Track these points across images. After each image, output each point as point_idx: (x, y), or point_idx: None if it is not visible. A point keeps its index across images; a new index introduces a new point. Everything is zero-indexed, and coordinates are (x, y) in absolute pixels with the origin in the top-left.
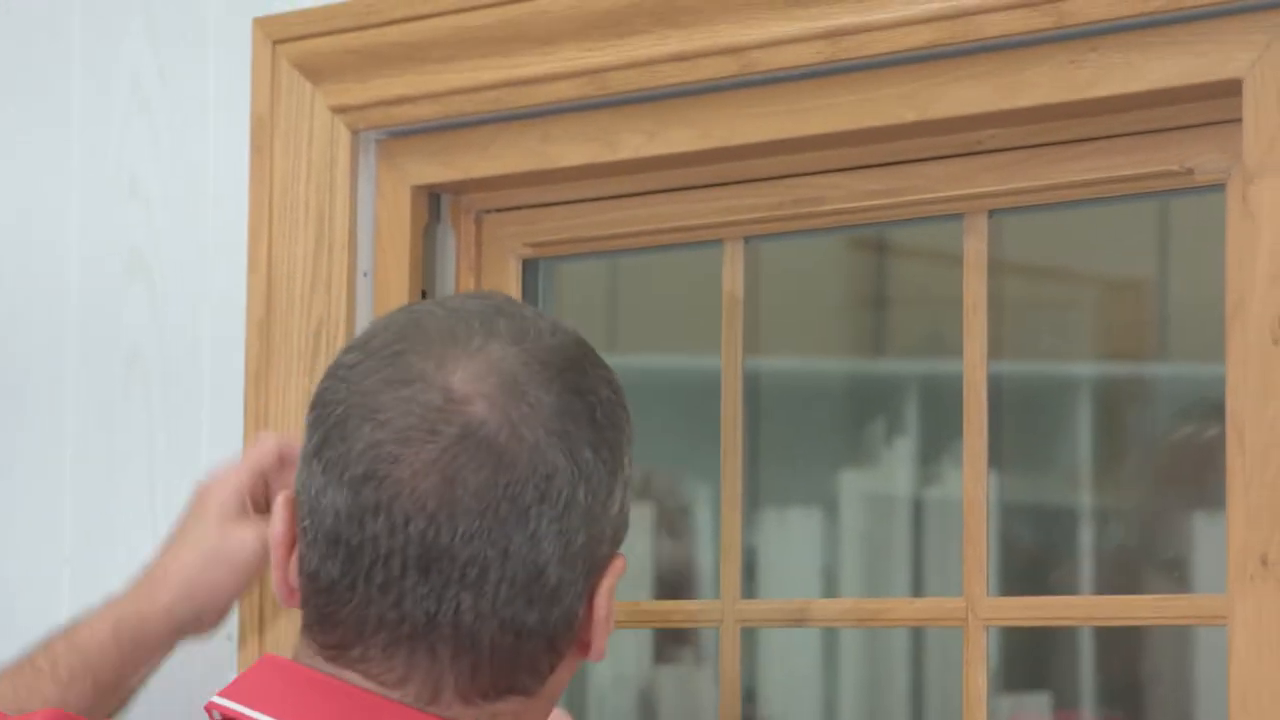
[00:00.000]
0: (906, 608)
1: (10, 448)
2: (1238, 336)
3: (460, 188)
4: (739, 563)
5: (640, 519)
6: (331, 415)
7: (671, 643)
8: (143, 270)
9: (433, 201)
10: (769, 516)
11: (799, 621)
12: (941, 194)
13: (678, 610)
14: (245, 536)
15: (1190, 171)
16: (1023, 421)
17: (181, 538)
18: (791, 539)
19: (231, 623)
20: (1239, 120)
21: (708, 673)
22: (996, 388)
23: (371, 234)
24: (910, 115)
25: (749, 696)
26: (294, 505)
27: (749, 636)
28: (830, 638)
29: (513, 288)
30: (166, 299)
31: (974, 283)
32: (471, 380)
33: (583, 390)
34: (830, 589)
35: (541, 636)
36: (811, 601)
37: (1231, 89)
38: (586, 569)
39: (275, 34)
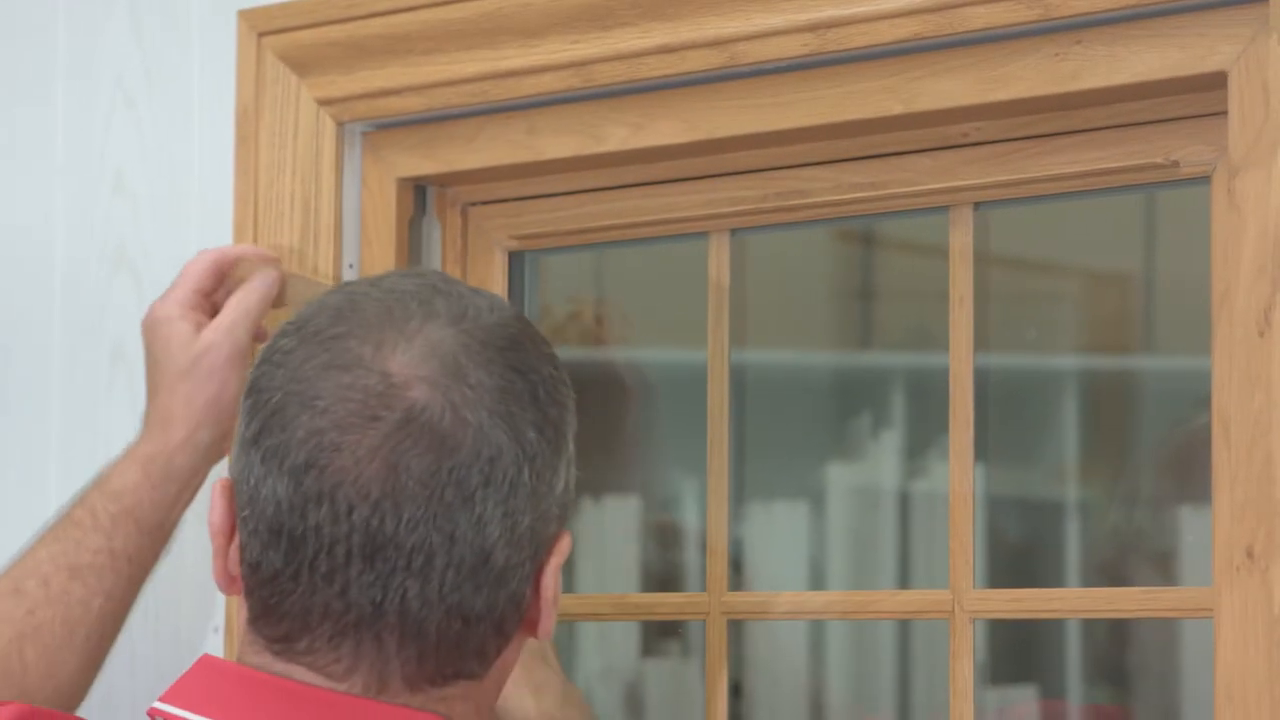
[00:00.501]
0: (892, 600)
1: None
2: (1223, 329)
3: (446, 180)
4: (725, 555)
5: (627, 512)
6: (269, 402)
7: (659, 636)
8: (128, 264)
9: (418, 194)
10: (755, 509)
11: (785, 614)
12: (927, 186)
13: (664, 603)
14: (212, 342)
15: (1176, 164)
16: (1008, 414)
17: (161, 378)
18: (777, 532)
19: (219, 615)
20: (1224, 113)
21: (695, 666)
22: (982, 380)
23: (357, 226)
24: (895, 108)
25: (735, 689)
26: (232, 492)
27: (735, 629)
28: (817, 631)
29: (499, 280)
30: (152, 292)
31: (960, 275)
32: (411, 364)
33: (524, 369)
34: (817, 582)
35: (489, 621)
36: (797, 594)
37: (1216, 82)
38: (533, 550)
39: (260, 26)
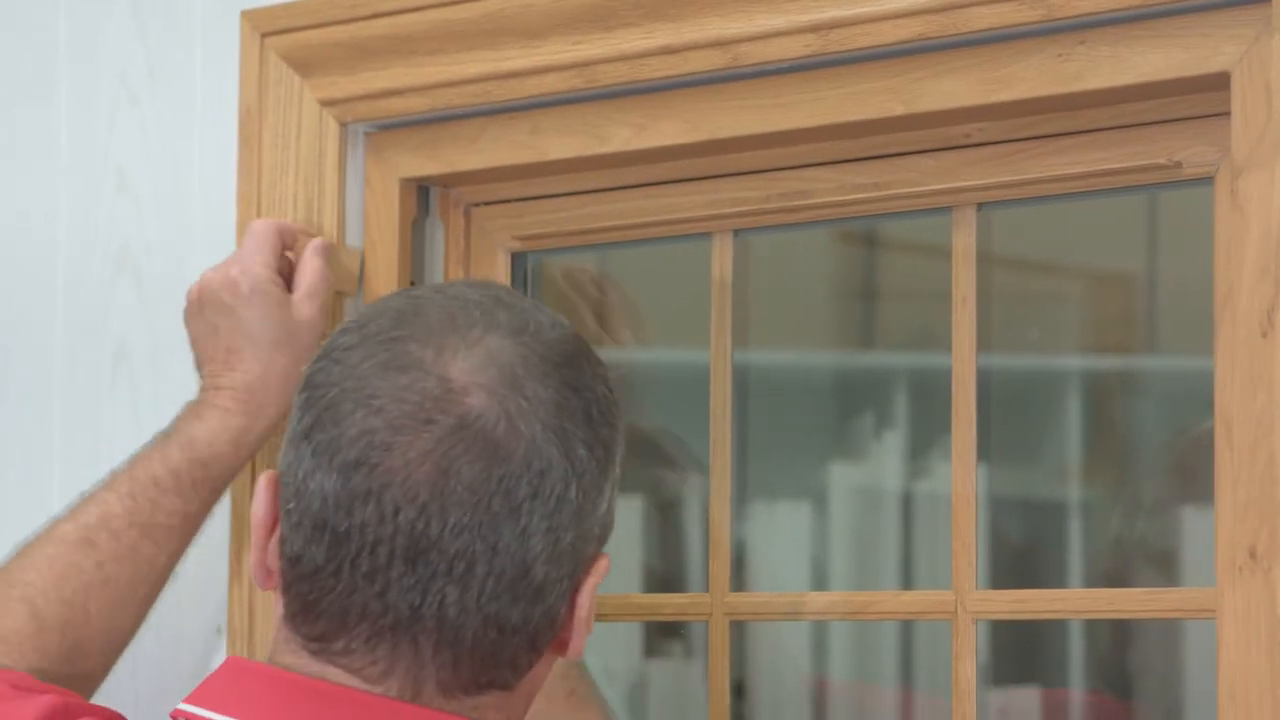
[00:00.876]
0: (895, 601)
1: None
2: (1226, 330)
3: (449, 180)
4: (728, 556)
5: (628, 512)
6: (324, 398)
7: (661, 636)
8: (130, 264)
9: (421, 194)
10: (757, 510)
11: (788, 614)
12: (929, 187)
13: (667, 603)
14: (310, 317)
15: (1179, 165)
16: (1011, 415)
17: (248, 345)
18: (780, 532)
19: (221, 616)
20: (1227, 114)
21: (698, 666)
22: (985, 381)
23: (360, 227)
24: (898, 108)
25: (738, 690)
26: (277, 485)
27: (737, 629)
28: (819, 631)
29: (501, 280)
30: (155, 292)
31: (962, 276)
32: (470, 371)
33: (580, 387)
34: (819, 582)
35: (524, 634)
36: (800, 594)
37: (1219, 82)
38: (572, 568)
39: (263, 26)
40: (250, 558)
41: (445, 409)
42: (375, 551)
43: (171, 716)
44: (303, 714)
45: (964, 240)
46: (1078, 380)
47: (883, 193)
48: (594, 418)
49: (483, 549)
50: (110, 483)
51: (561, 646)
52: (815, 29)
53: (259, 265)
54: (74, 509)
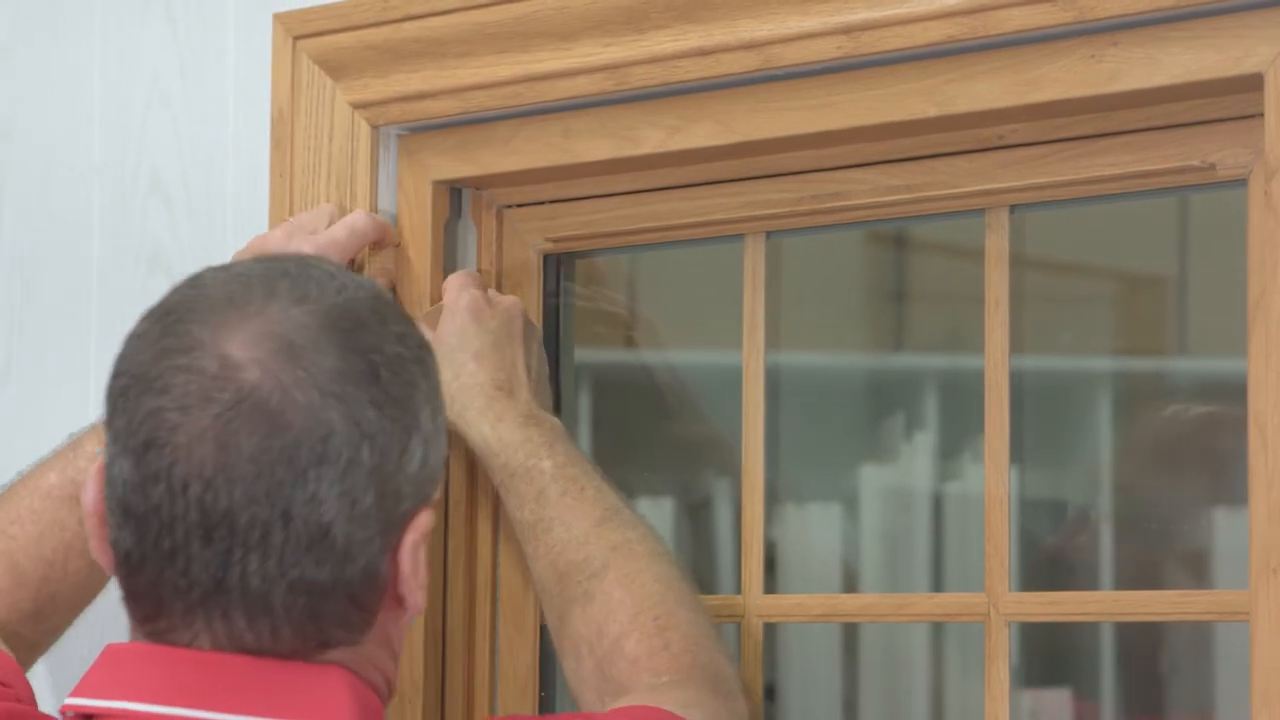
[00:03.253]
0: (928, 603)
1: None
2: (1259, 332)
3: (481, 183)
4: (760, 558)
5: (661, 512)
6: (117, 385)
7: None
8: (163, 265)
9: (454, 197)
10: (788, 511)
11: (821, 617)
12: (962, 189)
13: None
14: None
15: (1212, 166)
16: (1043, 417)
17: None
18: (811, 534)
19: None
20: (1260, 115)
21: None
22: (1017, 383)
23: (393, 229)
24: (931, 110)
25: (769, 692)
26: (104, 473)
27: (768, 631)
28: (849, 632)
29: (534, 282)
30: None
31: (995, 278)
32: (247, 346)
33: (365, 349)
34: (849, 583)
35: (340, 594)
36: (833, 596)
37: (1253, 84)
38: (382, 527)
39: (295, 29)
40: (91, 546)
41: (223, 386)
42: (173, 530)
43: (60, 712)
44: (181, 684)
45: (997, 242)
46: (1109, 382)
47: (915, 194)
48: (383, 377)
49: (274, 517)
50: (98, 429)
51: (400, 601)
52: (847, 31)
53: (338, 256)
54: (62, 457)
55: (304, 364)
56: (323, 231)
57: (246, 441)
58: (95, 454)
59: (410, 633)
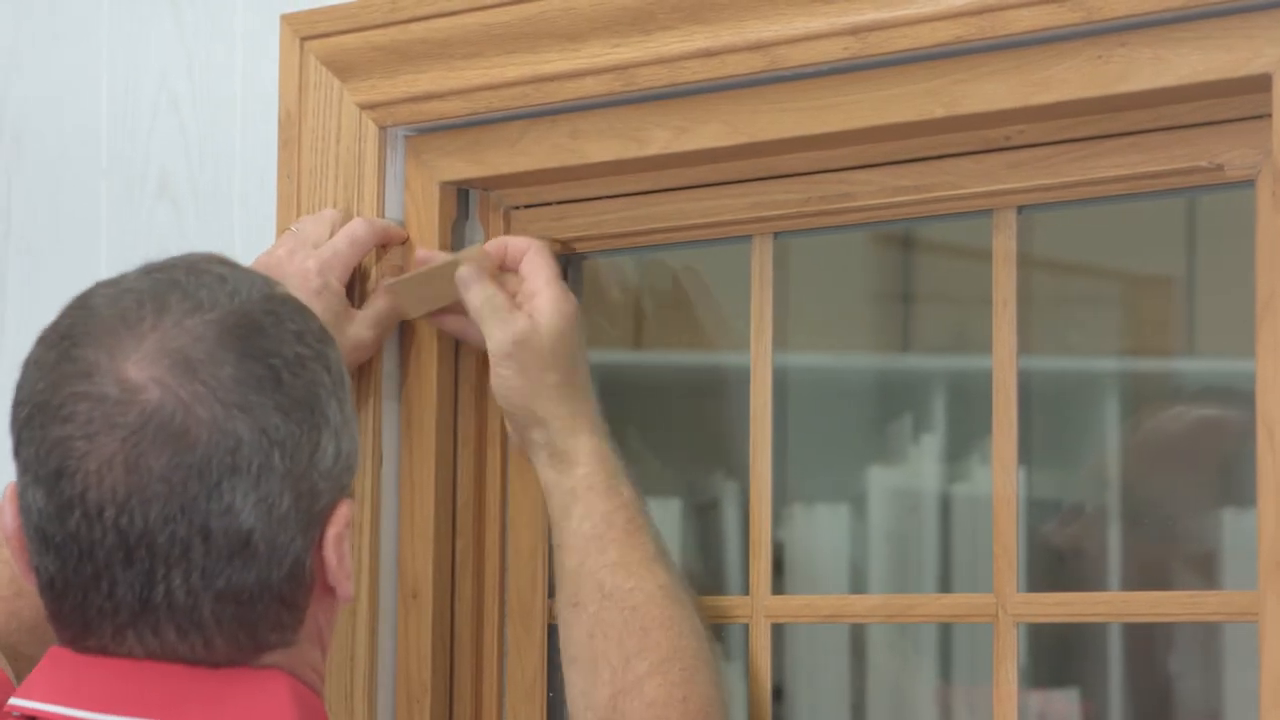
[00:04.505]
0: (936, 604)
1: None
2: (1268, 333)
3: (489, 184)
4: (768, 559)
5: (669, 513)
6: (21, 414)
7: None
8: None
9: (461, 198)
10: (796, 512)
11: (829, 617)
12: (970, 190)
13: (706, 606)
14: (363, 337)
15: (1220, 167)
16: (1050, 417)
17: None
18: (818, 534)
19: None
20: (1269, 116)
21: (736, 669)
22: (1024, 384)
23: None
24: (938, 111)
25: (776, 692)
26: (17, 499)
27: (775, 631)
28: (857, 632)
29: None
30: None
31: (1003, 279)
32: (144, 365)
33: (264, 354)
34: (857, 584)
35: (268, 598)
36: (841, 597)
37: (1261, 84)
38: (302, 526)
39: (303, 30)
40: (16, 567)
41: (126, 410)
42: (93, 555)
43: (4, 712)
44: (118, 691)
45: (1005, 243)
46: (1117, 383)
47: (923, 195)
48: (285, 381)
49: (192, 532)
50: None
51: (330, 593)
52: (854, 31)
53: (340, 268)
54: None
55: (203, 377)
56: (325, 244)
57: (155, 462)
58: None
59: (418, 634)
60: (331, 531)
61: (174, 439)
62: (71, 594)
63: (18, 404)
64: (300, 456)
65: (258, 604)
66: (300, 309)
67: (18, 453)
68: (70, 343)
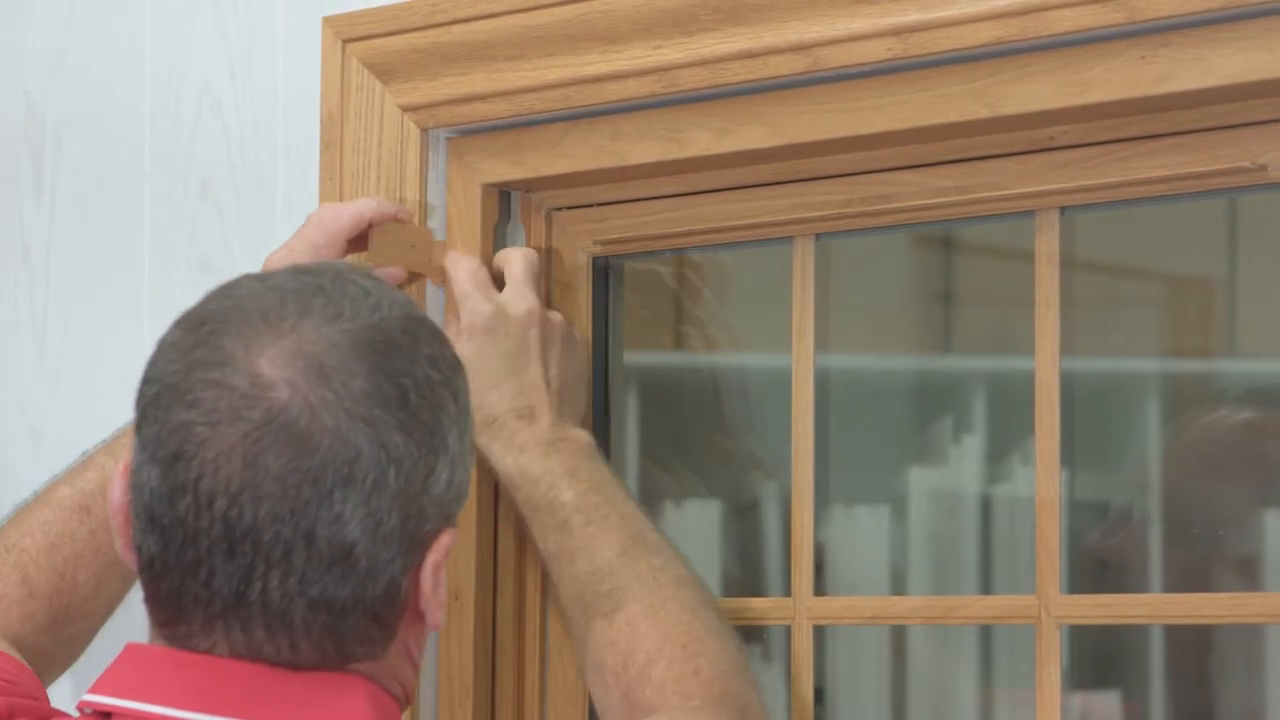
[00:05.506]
0: (979, 605)
1: None
2: None
3: (530, 185)
4: (810, 560)
5: (709, 515)
6: (149, 392)
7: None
8: (213, 269)
9: (503, 199)
10: (836, 514)
11: (872, 619)
12: (1012, 191)
13: (749, 608)
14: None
15: (1263, 168)
16: (1091, 419)
17: None
18: (858, 536)
19: None
20: None
21: (777, 671)
22: (1065, 385)
23: (442, 232)
24: (980, 112)
25: (817, 694)
26: (129, 475)
27: (816, 633)
28: (897, 634)
29: (583, 284)
30: None
31: (1046, 280)
32: (278, 364)
33: (395, 372)
34: (897, 586)
35: (360, 612)
36: (883, 599)
37: None
38: (405, 547)
39: (345, 33)
40: (116, 543)
41: (253, 404)
42: (196, 542)
43: (78, 708)
44: (198, 691)
45: (1047, 244)
46: (1158, 384)
47: (965, 196)
48: (411, 402)
49: (297, 536)
50: (111, 447)
51: (420, 618)
52: (896, 32)
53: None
54: (74, 471)
55: (333, 385)
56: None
57: (273, 461)
58: (102, 466)
59: (460, 636)
60: (431, 558)
61: (295, 441)
62: (170, 577)
63: (146, 381)
64: (415, 478)
65: (349, 617)
66: (437, 334)
67: (139, 429)
68: (209, 329)
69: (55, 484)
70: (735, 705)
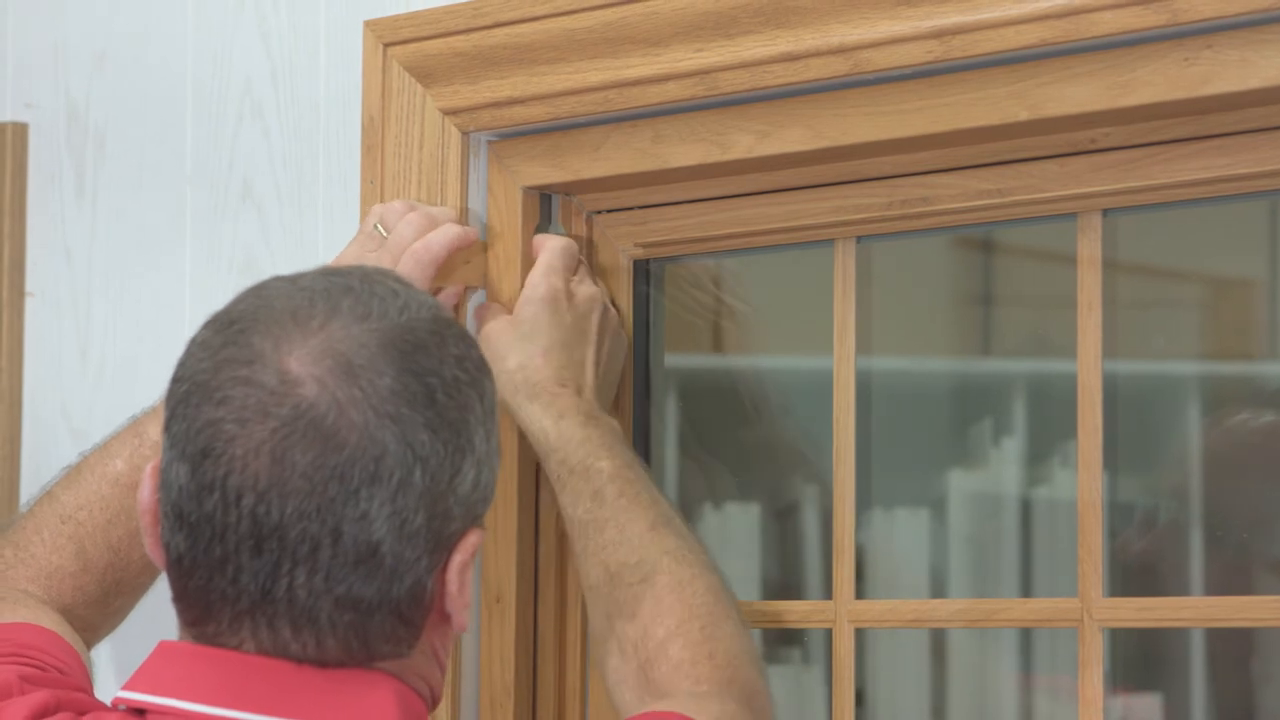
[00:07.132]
0: (1021, 608)
1: None
2: None
3: (571, 188)
4: (851, 563)
5: (748, 518)
6: (178, 391)
7: (779, 643)
8: (254, 272)
9: (544, 203)
10: (876, 516)
11: (914, 622)
12: (1054, 193)
13: (790, 610)
14: None
15: None
16: (1132, 421)
17: None
18: (898, 539)
19: None
20: None
21: (816, 673)
22: (1107, 387)
23: (483, 235)
24: (1022, 114)
25: (857, 697)
26: (158, 474)
27: (856, 636)
28: (937, 637)
29: (624, 287)
30: None
31: (1088, 282)
32: (306, 362)
33: (423, 371)
34: (937, 589)
35: (386, 610)
36: (926, 602)
37: None
38: (430, 546)
39: (386, 36)
40: (145, 543)
41: (281, 401)
42: (224, 539)
43: (113, 704)
44: (232, 688)
45: (1089, 246)
46: (1199, 386)
47: (1007, 199)
48: (439, 401)
49: (324, 533)
50: (158, 410)
51: (445, 619)
52: (938, 35)
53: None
54: (127, 444)
55: (361, 383)
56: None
57: (301, 458)
58: (156, 440)
59: (501, 637)
60: (457, 558)
61: (323, 438)
62: (198, 574)
63: (177, 380)
64: (441, 477)
65: (375, 615)
66: (464, 335)
67: (169, 427)
68: (238, 329)
69: (109, 455)
70: (743, 693)
